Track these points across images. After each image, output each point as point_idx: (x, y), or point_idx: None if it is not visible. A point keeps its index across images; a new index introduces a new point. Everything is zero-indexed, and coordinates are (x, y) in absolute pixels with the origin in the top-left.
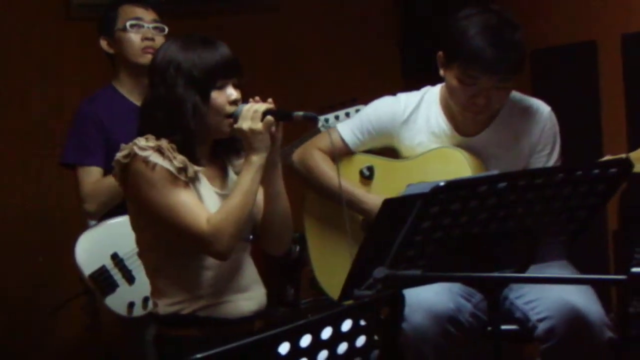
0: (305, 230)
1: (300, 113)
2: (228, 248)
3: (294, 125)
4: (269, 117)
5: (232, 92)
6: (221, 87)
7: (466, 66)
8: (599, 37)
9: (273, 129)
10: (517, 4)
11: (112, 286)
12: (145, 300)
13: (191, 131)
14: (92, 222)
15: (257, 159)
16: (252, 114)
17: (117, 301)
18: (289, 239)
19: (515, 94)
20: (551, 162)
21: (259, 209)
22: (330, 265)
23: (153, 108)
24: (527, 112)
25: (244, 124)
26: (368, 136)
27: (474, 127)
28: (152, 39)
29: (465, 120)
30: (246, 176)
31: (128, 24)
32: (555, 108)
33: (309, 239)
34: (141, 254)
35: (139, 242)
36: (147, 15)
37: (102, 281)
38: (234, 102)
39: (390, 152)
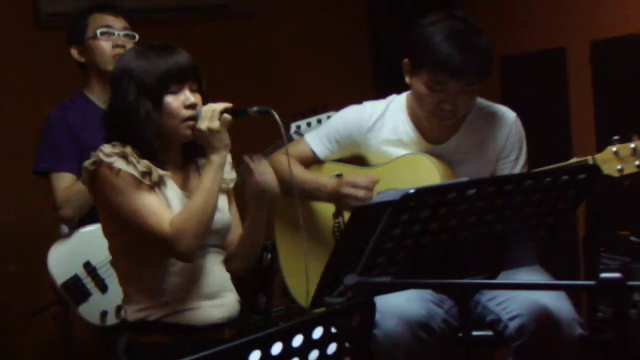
0: (276, 236)
1: (255, 108)
2: (191, 249)
3: (258, 125)
4: (226, 115)
5: (188, 97)
6: (176, 92)
7: (434, 72)
8: (567, 44)
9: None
10: (487, 10)
11: (84, 295)
12: (119, 309)
13: (147, 137)
14: (64, 231)
15: (216, 158)
16: (210, 114)
17: (90, 310)
18: (251, 263)
19: (481, 101)
20: (518, 168)
21: (233, 227)
22: (301, 271)
23: (111, 117)
24: (493, 118)
25: (202, 124)
26: (336, 144)
27: (441, 134)
28: (123, 46)
29: (432, 126)
30: (207, 176)
31: (98, 31)
32: (524, 114)
33: (279, 246)
34: (113, 261)
35: (110, 249)
36: (117, 23)
37: (75, 290)
38: (190, 106)
39: (360, 160)
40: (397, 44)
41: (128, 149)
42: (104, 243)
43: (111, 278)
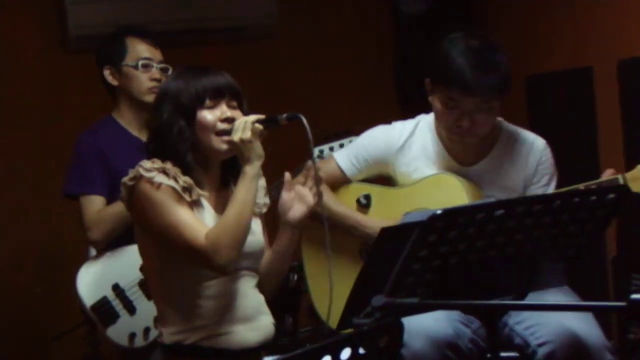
0: (303, 258)
1: (284, 115)
2: (228, 261)
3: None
4: (257, 125)
5: (224, 111)
6: (212, 107)
7: (448, 89)
8: (595, 63)
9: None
10: (513, 30)
11: (113, 317)
12: (147, 330)
13: (180, 153)
14: (93, 253)
15: (250, 169)
16: (243, 125)
17: (118, 332)
18: (278, 286)
19: (511, 126)
20: (549, 191)
21: (262, 244)
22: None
23: (150, 139)
24: (524, 145)
25: (235, 136)
26: (364, 163)
27: (470, 156)
28: (159, 80)
29: (457, 146)
30: (240, 187)
31: (140, 63)
32: (551, 134)
33: (306, 267)
34: (148, 281)
35: (145, 268)
36: (156, 55)
37: (104, 312)
38: (226, 120)
39: (386, 180)
40: (421, 64)
41: (168, 165)
42: (132, 264)
43: (139, 300)
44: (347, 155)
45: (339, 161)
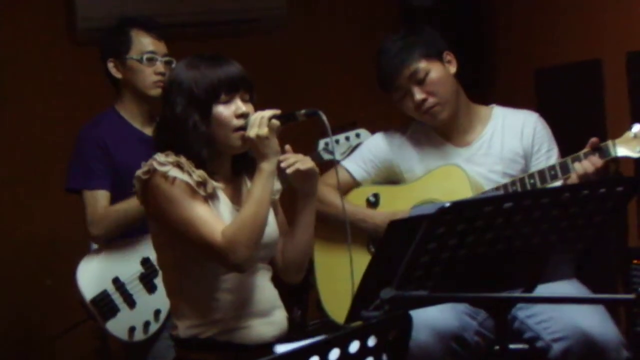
0: (314, 255)
1: (302, 111)
2: (244, 259)
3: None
4: (274, 121)
5: (239, 106)
6: (227, 102)
7: (383, 84)
8: (603, 56)
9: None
10: (522, 23)
11: (113, 311)
12: (147, 324)
13: (195, 149)
14: (94, 247)
15: (267, 166)
16: (259, 121)
17: (118, 326)
18: (306, 268)
19: (504, 109)
20: (553, 159)
21: (277, 235)
22: (335, 289)
23: (160, 130)
24: (516, 119)
25: (251, 132)
26: (371, 164)
27: (466, 137)
28: (163, 74)
29: (446, 128)
30: (257, 184)
31: (145, 57)
32: (560, 126)
33: (315, 263)
34: (162, 275)
35: (160, 262)
36: (160, 48)
37: (104, 306)
38: (241, 116)
39: (394, 183)
40: None
41: (182, 159)
42: (132, 258)
43: (139, 294)
44: (354, 160)
45: (347, 167)
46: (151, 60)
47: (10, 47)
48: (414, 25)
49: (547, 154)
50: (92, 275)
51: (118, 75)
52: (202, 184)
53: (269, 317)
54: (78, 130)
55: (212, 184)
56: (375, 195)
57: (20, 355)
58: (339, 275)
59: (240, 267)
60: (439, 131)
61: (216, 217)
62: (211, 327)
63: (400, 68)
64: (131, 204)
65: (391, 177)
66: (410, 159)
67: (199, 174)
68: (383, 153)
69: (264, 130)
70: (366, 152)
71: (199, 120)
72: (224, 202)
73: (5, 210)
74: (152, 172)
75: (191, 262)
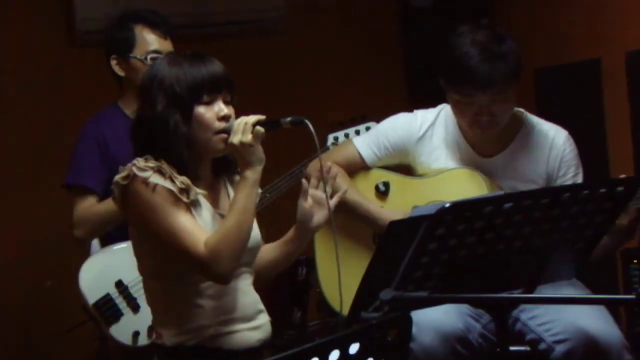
0: (316, 248)
1: (288, 119)
2: (227, 270)
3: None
4: (259, 128)
5: (221, 108)
6: (209, 103)
7: (460, 87)
8: (603, 55)
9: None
10: (521, 22)
11: (116, 315)
12: (151, 329)
13: (175, 150)
14: (95, 249)
15: (250, 174)
16: (243, 127)
17: (121, 330)
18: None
19: (533, 117)
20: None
21: (260, 239)
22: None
23: (138, 128)
24: (546, 137)
25: (235, 138)
26: (384, 151)
27: (491, 148)
28: None
29: (479, 138)
30: (241, 193)
31: (149, 56)
32: (560, 125)
33: (318, 257)
34: (144, 282)
35: (141, 269)
36: (165, 47)
37: (107, 310)
38: (223, 118)
39: (405, 169)
40: (429, 53)
41: (164, 164)
42: (134, 261)
43: (143, 298)
44: (367, 142)
45: (359, 147)
46: (155, 60)
47: (9, 48)
48: (503, 34)
49: (573, 179)
50: (95, 278)
51: (121, 73)
52: (184, 190)
53: (254, 322)
54: (77, 131)
55: (195, 190)
56: (386, 184)
57: (20, 356)
58: (344, 270)
59: (223, 279)
60: (465, 133)
61: (199, 226)
62: (198, 333)
63: (487, 88)
64: (112, 204)
65: (403, 163)
66: (430, 154)
67: (181, 179)
68: (401, 142)
69: (248, 137)
70: (383, 137)
71: (180, 121)
72: (205, 207)
73: (5, 211)
74: (132, 177)
75: (173, 270)
